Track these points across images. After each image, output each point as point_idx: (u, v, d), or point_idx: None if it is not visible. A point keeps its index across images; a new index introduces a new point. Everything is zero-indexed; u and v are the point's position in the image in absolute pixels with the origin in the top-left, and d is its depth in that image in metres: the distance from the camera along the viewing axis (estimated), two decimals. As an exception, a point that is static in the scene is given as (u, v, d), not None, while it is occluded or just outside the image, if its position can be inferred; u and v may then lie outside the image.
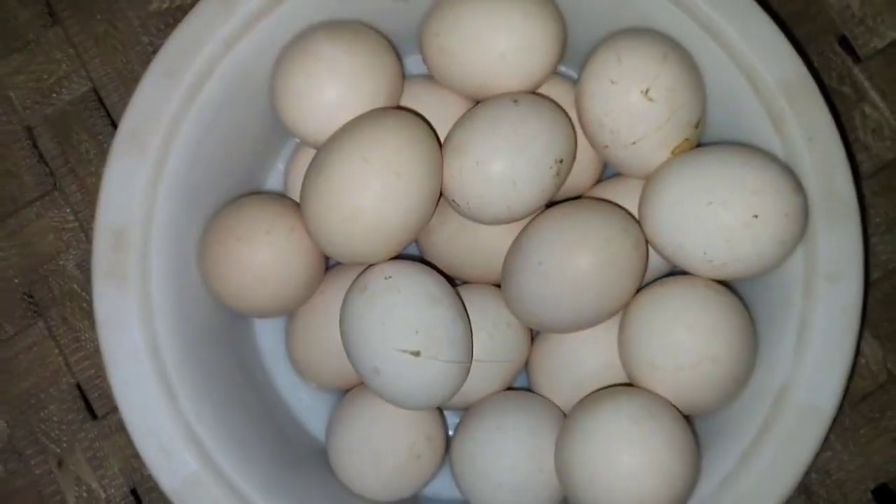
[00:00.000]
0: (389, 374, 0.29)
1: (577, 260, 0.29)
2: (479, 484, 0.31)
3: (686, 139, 0.31)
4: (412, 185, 0.29)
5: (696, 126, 0.31)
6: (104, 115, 0.38)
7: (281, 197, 0.33)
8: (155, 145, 0.30)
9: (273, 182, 0.36)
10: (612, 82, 0.30)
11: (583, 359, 0.32)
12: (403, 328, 0.29)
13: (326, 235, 0.30)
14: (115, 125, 0.37)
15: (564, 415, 0.32)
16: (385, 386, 0.29)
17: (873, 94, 0.38)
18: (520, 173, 0.29)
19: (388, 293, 0.29)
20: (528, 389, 0.34)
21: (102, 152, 0.38)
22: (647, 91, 0.30)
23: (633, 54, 0.30)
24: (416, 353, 0.28)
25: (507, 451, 0.30)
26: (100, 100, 0.38)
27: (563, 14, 0.32)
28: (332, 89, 0.30)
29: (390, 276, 0.29)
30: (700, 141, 0.32)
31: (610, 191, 0.33)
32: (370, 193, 0.29)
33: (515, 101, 0.30)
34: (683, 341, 0.29)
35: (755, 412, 0.29)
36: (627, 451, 0.27)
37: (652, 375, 0.29)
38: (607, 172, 0.35)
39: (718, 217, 0.28)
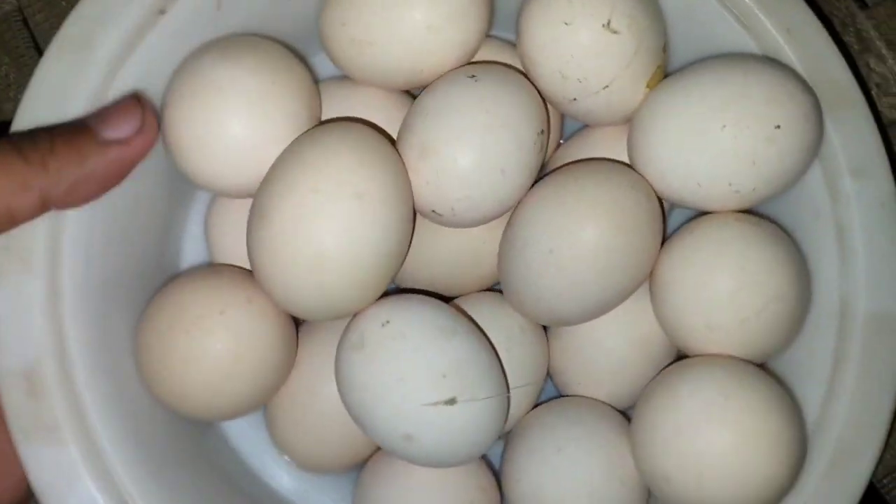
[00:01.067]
0: (426, 436, 0.23)
1: (592, 234, 0.25)
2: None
3: (658, 66, 0.27)
4: (380, 206, 0.23)
5: (664, 50, 0.27)
6: (27, 36, 0.34)
7: (221, 267, 0.27)
8: (40, 259, 0.23)
9: (190, 251, 0.29)
10: (567, 24, 0.25)
11: (613, 342, 0.28)
12: (428, 377, 0.23)
13: (292, 294, 0.24)
14: (38, 48, 0.34)
15: (619, 411, 0.28)
16: (422, 451, 0.24)
17: (879, 45, 0.34)
18: (507, 159, 0.25)
19: (393, 342, 0.24)
20: (555, 396, 0.29)
21: (23, 76, 0.33)
22: (608, 23, 0.25)
23: (582, -15, 0.25)
24: (452, 402, 0.23)
25: (581, 473, 0.25)
26: (24, 20, 0.34)
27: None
28: (241, 121, 0.24)
29: (388, 321, 0.24)
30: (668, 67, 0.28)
31: (579, 150, 0.29)
32: (331, 229, 0.23)
33: (473, 76, 0.25)
34: (740, 288, 0.25)
35: (825, 339, 0.26)
36: (734, 431, 0.23)
37: (711, 337, 0.25)
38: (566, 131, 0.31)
39: (738, 138, 0.24)
